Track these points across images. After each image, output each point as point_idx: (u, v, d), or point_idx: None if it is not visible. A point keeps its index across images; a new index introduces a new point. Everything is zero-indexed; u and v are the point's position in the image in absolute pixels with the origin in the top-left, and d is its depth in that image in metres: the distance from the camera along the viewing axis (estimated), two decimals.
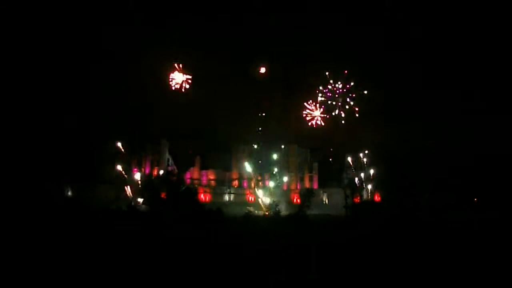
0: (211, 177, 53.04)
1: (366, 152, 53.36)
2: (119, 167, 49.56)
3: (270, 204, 46.11)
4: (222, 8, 56.10)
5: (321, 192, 51.78)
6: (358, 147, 53.68)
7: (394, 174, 47.46)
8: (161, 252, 21.69)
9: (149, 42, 54.82)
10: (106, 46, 52.27)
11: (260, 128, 51.59)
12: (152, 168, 51.21)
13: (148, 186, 44.79)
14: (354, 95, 56.51)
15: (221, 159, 53.83)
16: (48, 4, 48.64)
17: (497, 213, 39.96)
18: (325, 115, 55.76)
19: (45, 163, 43.42)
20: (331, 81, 57.76)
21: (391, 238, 27.79)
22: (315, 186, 53.44)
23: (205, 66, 57.25)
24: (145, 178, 48.55)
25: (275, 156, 48.95)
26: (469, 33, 53.75)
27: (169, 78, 54.63)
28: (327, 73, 57.72)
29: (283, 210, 45.02)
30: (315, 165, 54.61)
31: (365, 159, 52.75)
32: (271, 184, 48.90)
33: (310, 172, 54.22)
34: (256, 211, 45.68)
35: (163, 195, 41.61)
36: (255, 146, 48.64)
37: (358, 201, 47.69)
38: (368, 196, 50.55)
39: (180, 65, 54.98)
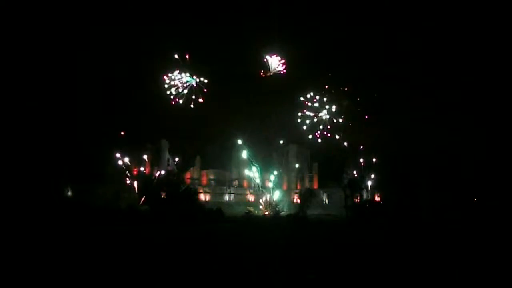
0: (211, 177, 53.03)
1: (366, 152, 53.32)
2: (119, 167, 49.56)
3: (270, 204, 46.23)
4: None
5: (321, 192, 51.76)
6: (358, 147, 53.63)
7: (394, 174, 47.51)
8: (161, 252, 21.72)
9: (149, 42, 54.97)
10: (107, 47, 52.35)
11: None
12: (152, 168, 51.19)
13: (148, 186, 44.93)
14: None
15: (221, 159, 53.82)
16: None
17: (497, 213, 39.96)
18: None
19: (45, 163, 43.47)
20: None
21: (391, 238, 27.83)
22: (315, 186, 53.43)
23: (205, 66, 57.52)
24: (145, 178, 48.53)
25: (275, 156, 48.91)
26: (469, 33, 53.74)
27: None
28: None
29: (283, 210, 45.14)
30: (315, 165, 54.59)
31: (365, 159, 52.68)
32: (271, 184, 48.91)
33: (310, 172, 54.20)
34: (256, 211, 45.76)
35: (163, 195, 41.72)
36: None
37: (358, 201, 47.76)
38: (368, 196, 50.53)
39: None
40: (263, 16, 55.94)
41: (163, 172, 49.12)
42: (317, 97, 56.01)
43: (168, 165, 51.72)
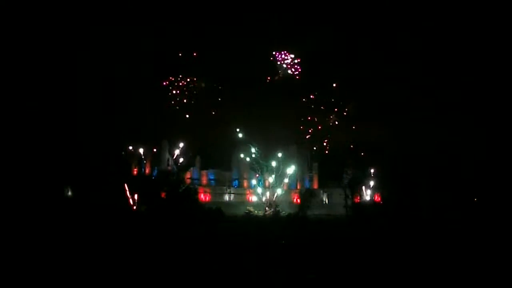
0: (211, 177, 52.98)
1: (366, 152, 53.33)
2: (119, 167, 49.47)
3: (270, 204, 46.17)
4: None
5: (321, 192, 51.71)
6: (358, 147, 53.63)
7: (394, 174, 47.51)
8: (161, 252, 21.72)
9: (150, 43, 55.01)
10: (108, 46, 52.36)
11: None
12: (152, 168, 51.16)
13: (148, 186, 44.88)
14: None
15: (221, 159, 53.78)
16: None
17: (497, 213, 39.95)
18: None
19: (45, 163, 43.44)
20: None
21: (392, 238, 27.83)
22: (315, 186, 53.38)
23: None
24: (145, 178, 48.49)
25: (275, 156, 48.83)
26: (469, 33, 53.79)
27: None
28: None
29: (283, 210, 45.11)
30: (315, 165, 54.55)
31: (365, 159, 52.68)
32: (271, 184, 48.83)
33: (310, 172, 54.16)
34: (256, 211, 45.73)
35: (163, 195, 41.68)
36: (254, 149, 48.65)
37: (358, 201, 47.74)
38: (368, 196, 50.52)
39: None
40: (266, 16, 56.12)
41: (162, 172, 49.01)
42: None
43: (168, 165, 51.67)
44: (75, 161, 45.65)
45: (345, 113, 60.51)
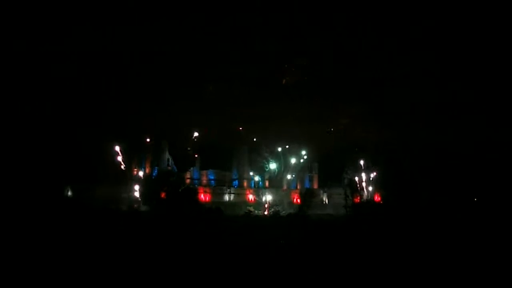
0: (211, 177, 53.00)
1: (366, 152, 53.33)
2: (119, 167, 49.51)
3: (270, 204, 46.22)
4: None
5: (321, 192, 51.74)
6: (358, 147, 53.66)
7: (394, 174, 47.54)
8: (161, 252, 21.70)
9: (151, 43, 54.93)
10: (108, 48, 52.34)
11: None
12: (152, 168, 51.16)
13: (148, 186, 44.90)
14: None
15: (221, 159, 53.80)
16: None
17: (497, 213, 39.96)
18: None
19: (45, 163, 43.44)
20: None
21: (392, 237, 27.81)
22: (315, 186, 53.41)
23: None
24: (145, 178, 48.49)
25: (275, 156, 48.92)
26: (469, 32, 53.78)
27: None
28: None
29: (283, 210, 45.15)
30: (315, 165, 54.57)
31: (365, 159, 52.69)
32: (271, 184, 48.92)
33: (310, 172, 54.18)
34: (256, 211, 45.76)
35: (163, 195, 41.70)
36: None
37: (358, 201, 47.75)
38: (368, 196, 50.53)
39: None
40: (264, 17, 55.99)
41: (162, 172, 49.02)
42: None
43: (168, 165, 51.68)
44: (75, 161, 45.67)
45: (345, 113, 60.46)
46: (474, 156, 48.47)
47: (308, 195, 46.08)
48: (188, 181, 49.63)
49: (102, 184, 46.69)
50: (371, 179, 51.55)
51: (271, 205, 45.79)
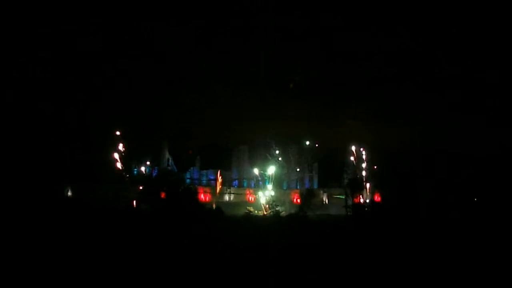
0: (211, 177, 53.00)
1: (366, 152, 53.31)
2: (119, 167, 49.53)
3: (270, 204, 46.18)
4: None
5: (321, 192, 51.72)
6: (359, 147, 53.64)
7: (394, 174, 47.52)
8: (161, 252, 21.69)
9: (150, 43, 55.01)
10: (108, 47, 52.41)
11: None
12: (152, 168, 51.19)
13: (148, 186, 44.87)
14: None
15: (221, 159, 53.80)
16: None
17: (497, 213, 39.95)
18: None
19: (45, 163, 43.45)
20: None
21: (392, 237, 27.81)
22: (315, 186, 53.41)
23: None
24: (145, 178, 48.49)
25: (275, 156, 48.89)
26: (469, 32, 53.83)
27: None
28: None
29: (283, 210, 45.11)
30: (315, 165, 54.57)
31: (365, 159, 52.69)
32: (271, 184, 48.89)
33: (310, 172, 54.18)
34: (256, 211, 45.75)
35: (163, 195, 41.69)
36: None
37: (358, 201, 47.71)
38: (368, 196, 50.51)
39: None
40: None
41: (162, 172, 49.04)
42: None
43: (168, 165, 51.70)
44: (75, 161, 45.69)
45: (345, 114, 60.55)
46: (474, 156, 48.48)
47: (308, 195, 46.06)
48: (188, 181, 49.67)
49: (102, 183, 46.75)
50: (371, 179, 51.53)
51: (271, 205, 45.74)
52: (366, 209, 43.57)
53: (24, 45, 47.71)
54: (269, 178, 49.09)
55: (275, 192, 48.20)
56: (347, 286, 16.56)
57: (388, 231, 30.82)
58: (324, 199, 51.34)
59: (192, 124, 53.97)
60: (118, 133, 49.44)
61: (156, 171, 49.97)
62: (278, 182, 48.84)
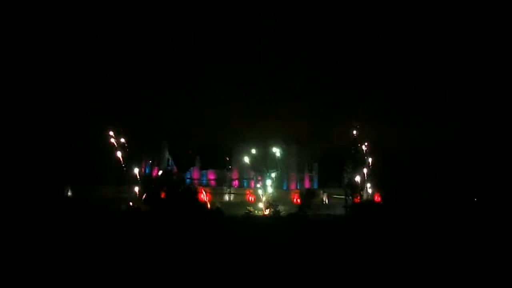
0: (211, 177, 52.95)
1: (366, 152, 53.31)
2: (119, 167, 49.52)
3: (270, 204, 46.16)
4: None
5: (321, 192, 51.68)
6: (358, 147, 53.61)
7: (394, 174, 47.51)
8: (161, 252, 21.69)
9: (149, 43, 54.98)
10: (108, 47, 52.41)
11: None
12: (152, 168, 51.16)
13: (148, 186, 44.87)
14: None
15: (221, 159, 53.76)
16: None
17: (497, 213, 39.94)
18: None
19: (45, 163, 43.45)
20: None
21: (392, 237, 27.80)
22: (315, 186, 53.36)
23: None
24: (145, 178, 48.48)
25: (275, 156, 48.88)
26: (469, 32, 53.82)
27: None
28: None
29: (283, 210, 45.09)
30: (315, 165, 54.53)
31: (365, 159, 52.69)
32: (271, 184, 48.86)
33: (310, 172, 54.14)
34: (256, 211, 45.72)
35: (163, 195, 41.68)
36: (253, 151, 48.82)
37: (358, 201, 47.70)
38: (368, 196, 50.49)
39: None
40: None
41: (162, 172, 49.02)
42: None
43: (168, 165, 51.67)
44: (75, 161, 45.68)
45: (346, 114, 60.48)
46: (474, 156, 48.47)
47: (308, 195, 46.02)
48: (188, 181, 49.63)
49: (102, 184, 46.74)
50: (371, 179, 51.49)
51: (271, 205, 45.72)
52: (366, 207, 43.53)
53: (24, 45, 47.71)
54: (269, 178, 49.05)
55: (275, 192, 48.13)
56: (347, 286, 16.57)
57: (388, 231, 30.81)
58: (324, 199, 51.30)
59: (192, 124, 53.83)
60: (119, 133, 49.41)
61: (157, 171, 49.95)
62: (278, 182, 48.74)
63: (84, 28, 51.24)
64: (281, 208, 45.13)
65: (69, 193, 46.60)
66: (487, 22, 52.36)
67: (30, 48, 48.05)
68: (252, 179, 51.52)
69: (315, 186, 53.30)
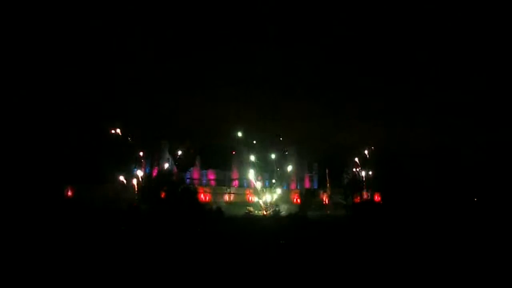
0: (211, 177, 52.97)
1: (366, 152, 53.35)
2: (119, 167, 49.48)
3: (270, 204, 46.18)
4: None
5: (321, 192, 51.71)
6: (358, 147, 53.67)
7: (394, 174, 47.53)
8: (161, 252, 21.70)
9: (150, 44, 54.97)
10: (108, 47, 52.41)
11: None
12: (152, 168, 51.16)
13: (148, 186, 44.89)
14: None
15: (221, 159, 53.76)
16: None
17: (497, 213, 39.94)
18: None
19: (45, 163, 43.44)
20: None
21: (392, 237, 27.81)
22: (315, 186, 53.40)
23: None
24: (145, 178, 48.48)
25: (274, 156, 48.88)
26: (468, 32, 53.83)
27: None
28: None
29: (283, 210, 45.14)
30: (315, 165, 54.56)
31: (365, 159, 52.73)
32: (271, 184, 48.87)
33: (310, 172, 54.17)
34: (256, 211, 45.74)
35: (163, 195, 41.68)
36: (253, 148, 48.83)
37: (358, 201, 47.73)
38: (368, 196, 50.53)
39: None
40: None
41: (162, 172, 49.02)
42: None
43: (168, 165, 51.66)
44: (75, 161, 45.67)
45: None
46: (474, 156, 48.50)
47: (308, 195, 46.06)
48: (188, 181, 49.63)
49: (102, 184, 46.73)
50: (371, 179, 51.52)
51: (271, 205, 45.74)
52: (366, 207, 43.52)
53: (25, 44, 47.73)
54: (269, 178, 49.06)
55: (275, 192, 48.12)
56: (347, 286, 16.58)
57: (388, 231, 30.81)
58: (324, 199, 51.34)
59: (192, 124, 53.81)
60: (119, 133, 49.42)
61: (157, 171, 49.94)
62: (277, 182, 48.73)
63: (84, 28, 51.31)
64: (281, 208, 45.18)
65: (69, 193, 46.62)
66: (487, 22, 52.37)
67: (30, 48, 48.09)
68: (252, 179, 51.44)
69: (315, 186, 53.34)
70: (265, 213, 45.56)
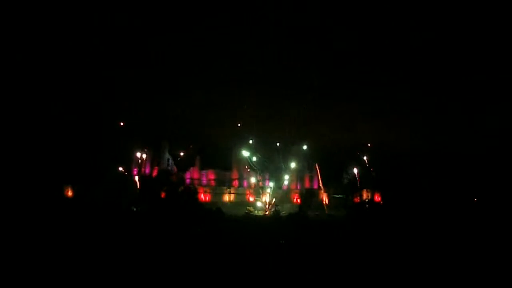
0: (211, 177, 52.97)
1: (366, 151, 53.33)
2: (119, 168, 49.54)
3: (270, 204, 46.22)
4: None
5: (321, 192, 51.69)
6: (358, 147, 53.62)
7: (394, 173, 47.52)
8: (161, 252, 21.71)
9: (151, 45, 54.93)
10: (108, 47, 52.37)
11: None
12: (152, 168, 51.20)
13: (148, 186, 44.92)
14: None
15: (221, 159, 53.77)
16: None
17: (497, 213, 39.95)
18: None
19: (45, 163, 43.46)
20: None
21: (392, 237, 27.82)
22: (315, 186, 53.39)
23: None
24: (145, 178, 48.51)
25: (275, 156, 48.94)
26: (468, 33, 53.81)
27: None
28: None
29: (283, 210, 45.18)
30: (315, 165, 54.54)
31: (365, 159, 52.72)
32: (271, 184, 48.93)
33: (310, 172, 54.16)
34: (256, 211, 45.78)
35: (162, 195, 41.72)
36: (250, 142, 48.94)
37: (358, 201, 47.73)
38: (368, 196, 50.51)
39: None
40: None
41: (162, 172, 49.06)
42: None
43: (168, 165, 51.71)
44: (75, 161, 45.69)
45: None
46: (474, 156, 48.46)
47: (308, 195, 46.05)
48: (188, 181, 49.66)
49: (102, 184, 46.72)
50: (371, 179, 51.50)
51: (271, 205, 45.78)
52: (366, 207, 43.57)
53: (25, 44, 47.71)
54: (269, 178, 49.10)
55: (275, 192, 48.19)
56: (347, 286, 16.58)
57: (388, 231, 30.83)
58: (324, 199, 51.35)
59: (192, 124, 53.77)
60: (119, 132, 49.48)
61: (157, 171, 50.00)
62: (277, 182, 48.79)
63: (84, 28, 51.24)
64: (281, 208, 45.20)
65: (70, 193, 46.65)
66: (487, 22, 52.29)
67: (29, 47, 48.06)
68: (252, 179, 51.47)
69: (315, 186, 53.33)
70: (266, 213, 45.61)
